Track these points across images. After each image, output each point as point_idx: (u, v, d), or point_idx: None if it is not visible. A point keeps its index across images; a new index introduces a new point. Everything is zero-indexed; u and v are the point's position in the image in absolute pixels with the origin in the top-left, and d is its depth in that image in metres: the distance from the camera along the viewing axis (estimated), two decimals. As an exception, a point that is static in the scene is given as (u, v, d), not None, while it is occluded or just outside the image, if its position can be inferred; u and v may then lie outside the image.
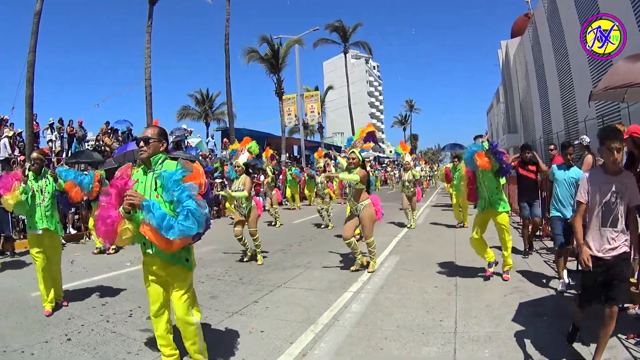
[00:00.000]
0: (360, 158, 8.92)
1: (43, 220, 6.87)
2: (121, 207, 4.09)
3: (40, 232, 6.88)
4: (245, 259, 10.29)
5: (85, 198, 14.53)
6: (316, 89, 55.68)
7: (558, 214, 7.57)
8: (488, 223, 8.05)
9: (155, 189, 4.14)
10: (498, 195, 7.91)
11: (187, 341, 4.38)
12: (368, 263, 9.06)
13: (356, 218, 8.91)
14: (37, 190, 6.94)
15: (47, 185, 7.04)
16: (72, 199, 7.51)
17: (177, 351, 4.52)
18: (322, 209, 16.65)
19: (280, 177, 25.96)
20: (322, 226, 16.52)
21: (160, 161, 4.27)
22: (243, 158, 10.32)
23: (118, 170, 4.63)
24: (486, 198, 7.95)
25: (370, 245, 8.97)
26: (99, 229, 4.28)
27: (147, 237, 4.04)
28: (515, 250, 8.71)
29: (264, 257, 10.43)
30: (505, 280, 7.76)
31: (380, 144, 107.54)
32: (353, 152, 8.90)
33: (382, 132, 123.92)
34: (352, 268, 8.99)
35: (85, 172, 12.86)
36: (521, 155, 10.37)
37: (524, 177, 10.20)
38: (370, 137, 9.77)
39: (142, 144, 4.24)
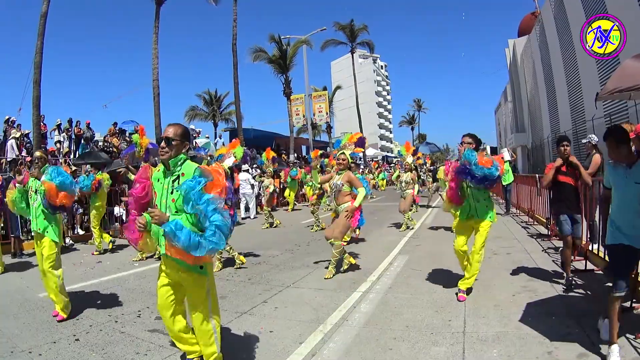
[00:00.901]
0: (349, 159, 8.99)
1: (34, 222, 6.79)
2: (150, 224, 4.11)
3: (33, 232, 6.88)
4: (235, 266, 9.97)
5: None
6: (324, 88, 55.83)
7: (616, 240, 4.89)
8: (472, 232, 7.25)
9: (172, 192, 4.05)
10: (485, 202, 7.06)
11: (203, 346, 4.32)
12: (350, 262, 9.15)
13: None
14: (32, 191, 6.87)
15: (40, 186, 6.83)
16: (54, 202, 6.74)
17: (198, 347, 4.44)
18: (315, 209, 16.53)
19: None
20: (311, 228, 16.29)
21: (180, 163, 4.16)
22: (228, 162, 10.27)
23: (137, 173, 4.63)
24: (471, 204, 7.06)
25: (336, 249, 8.63)
26: (129, 237, 4.38)
27: (162, 239, 4.06)
28: (547, 276, 8.07)
29: (272, 257, 10.46)
30: (460, 301, 6.86)
31: (389, 143, 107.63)
32: (343, 152, 8.84)
33: (390, 132, 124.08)
34: (343, 267, 8.99)
35: (89, 173, 12.94)
36: (557, 151, 7.70)
37: (561, 183, 7.68)
38: (361, 142, 9.79)
39: (163, 144, 4.11)
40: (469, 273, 7.00)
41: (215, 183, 3.98)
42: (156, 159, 9.56)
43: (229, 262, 10.01)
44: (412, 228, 15.00)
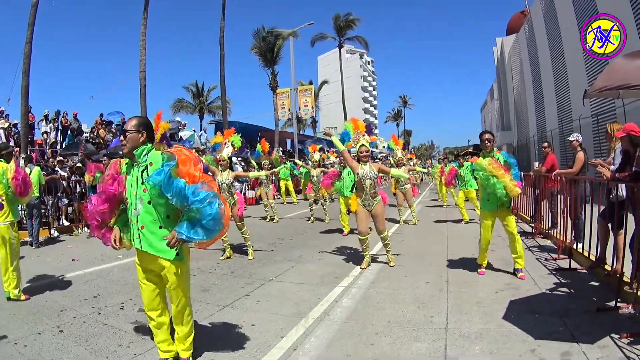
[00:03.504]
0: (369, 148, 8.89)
1: None
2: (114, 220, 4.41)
3: None
4: (222, 257, 10.02)
5: (78, 189, 14.69)
6: (310, 83, 55.87)
7: None
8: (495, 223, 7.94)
9: (142, 183, 4.06)
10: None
11: (179, 333, 4.41)
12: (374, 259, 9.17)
13: (369, 213, 8.81)
14: None
15: None
16: None
17: (174, 347, 4.51)
18: (315, 202, 16.50)
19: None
20: (309, 220, 16.45)
21: (144, 153, 4.18)
22: (227, 152, 10.26)
23: (108, 167, 4.61)
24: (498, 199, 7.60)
25: (386, 239, 9.01)
26: (91, 224, 4.53)
27: (135, 233, 4.15)
28: (531, 274, 7.99)
29: (255, 250, 10.37)
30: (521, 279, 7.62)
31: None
32: (364, 145, 8.74)
33: (376, 127, 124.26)
34: (362, 265, 8.86)
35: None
36: None
37: None
38: (369, 129, 9.64)
39: (121, 137, 4.19)
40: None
41: (182, 161, 4.02)
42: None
43: (212, 256, 10.00)
44: (411, 223, 14.99)
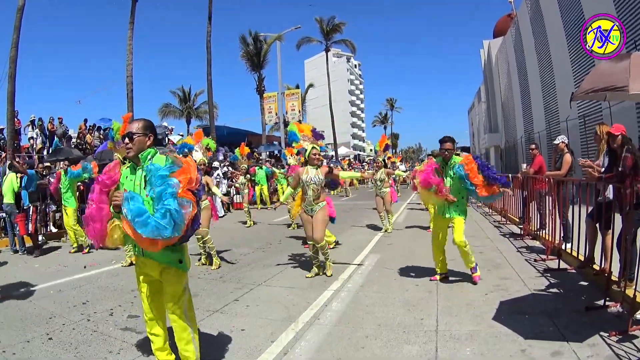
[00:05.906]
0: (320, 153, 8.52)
1: None
2: (111, 206, 3.92)
3: None
4: (196, 263, 9.69)
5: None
6: (297, 87, 55.92)
7: None
8: (447, 229, 7.65)
9: (145, 187, 3.85)
10: (457, 203, 7.39)
11: (180, 343, 4.20)
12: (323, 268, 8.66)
13: (312, 219, 8.37)
14: None
15: None
16: None
17: (174, 356, 4.34)
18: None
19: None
20: (290, 227, 16.19)
21: (149, 157, 3.99)
22: (198, 155, 9.87)
23: (106, 167, 4.49)
24: (445, 204, 7.42)
25: (323, 248, 8.43)
26: (88, 230, 4.20)
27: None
28: (520, 275, 8.24)
29: (243, 255, 10.30)
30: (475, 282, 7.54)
31: (361, 142, 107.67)
32: (315, 147, 8.35)
33: (363, 131, 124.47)
34: (308, 275, 8.52)
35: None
36: None
37: None
38: (316, 135, 9.29)
39: (126, 140, 3.99)
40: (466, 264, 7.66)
41: (184, 171, 3.83)
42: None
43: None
44: (385, 231, 14.21)
